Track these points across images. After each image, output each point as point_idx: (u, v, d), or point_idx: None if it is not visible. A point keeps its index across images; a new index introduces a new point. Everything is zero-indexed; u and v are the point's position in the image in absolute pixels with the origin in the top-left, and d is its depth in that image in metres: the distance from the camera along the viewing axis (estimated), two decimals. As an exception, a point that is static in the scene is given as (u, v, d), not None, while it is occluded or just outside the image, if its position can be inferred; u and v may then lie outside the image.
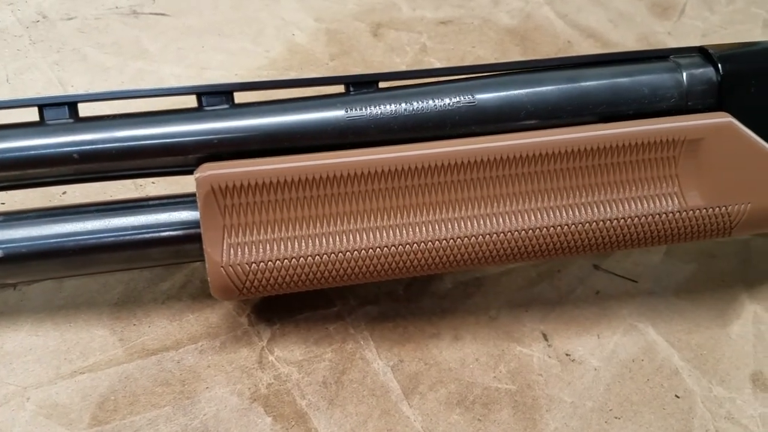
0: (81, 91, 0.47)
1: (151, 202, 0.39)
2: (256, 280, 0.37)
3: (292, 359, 0.41)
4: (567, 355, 0.45)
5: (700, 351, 0.47)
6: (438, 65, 0.67)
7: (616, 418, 0.42)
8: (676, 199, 0.41)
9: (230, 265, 0.37)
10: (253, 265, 0.37)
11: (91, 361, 0.40)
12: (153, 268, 0.44)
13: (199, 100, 0.39)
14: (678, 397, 0.44)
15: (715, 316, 0.49)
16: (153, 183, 0.50)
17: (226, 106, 0.39)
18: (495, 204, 0.39)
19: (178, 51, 0.62)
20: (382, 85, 0.41)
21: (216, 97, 0.39)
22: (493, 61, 0.68)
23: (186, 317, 0.42)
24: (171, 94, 0.38)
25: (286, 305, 0.43)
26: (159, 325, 0.42)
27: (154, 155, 0.38)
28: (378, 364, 0.42)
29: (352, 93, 0.40)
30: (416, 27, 0.70)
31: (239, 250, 0.37)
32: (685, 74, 0.41)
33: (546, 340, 0.46)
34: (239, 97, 0.40)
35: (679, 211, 0.41)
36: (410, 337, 0.44)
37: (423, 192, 0.39)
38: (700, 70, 0.42)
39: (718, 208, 0.41)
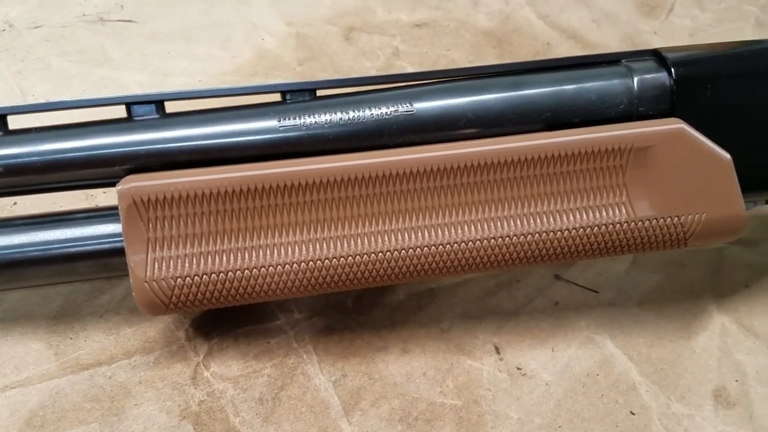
0: (14, 103, 0.46)
1: (78, 215, 0.38)
2: (182, 296, 0.37)
3: (229, 375, 0.40)
4: (518, 368, 0.44)
5: (661, 365, 0.45)
6: (411, 69, 0.66)
7: (565, 435, 0.41)
8: (624, 209, 0.39)
9: (154, 280, 0.36)
10: (179, 279, 0.36)
11: (24, 376, 0.39)
12: (93, 281, 0.43)
13: (128, 110, 0.38)
14: (633, 413, 0.42)
15: (680, 329, 0.47)
16: (104, 192, 0.49)
17: (155, 116, 0.38)
18: (434, 215, 0.38)
19: (143, 58, 0.61)
20: (321, 93, 0.40)
21: (145, 106, 0.38)
22: (467, 64, 0.67)
23: (123, 331, 0.42)
24: (99, 105, 0.38)
25: (226, 319, 0.43)
26: (95, 339, 0.41)
27: (80, 167, 0.37)
28: (320, 379, 0.41)
29: (288, 102, 0.39)
30: (390, 30, 0.69)
31: (164, 264, 0.36)
32: (636, 79, 0.40)
33: (498, 353, 0.44)
34: (175, 106, 0.39)
35: (627, 222, 0.39)
36: (356, 350, 0.43)
37: (357, 203, 0.37)
38: (653, 75, 0.40)
39: (669, 219, 0.40)
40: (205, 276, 0.36)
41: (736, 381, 0.45)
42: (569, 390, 0.43)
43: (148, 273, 0.36)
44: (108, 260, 0.37)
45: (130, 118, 0.38)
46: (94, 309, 0.43)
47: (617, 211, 0.39)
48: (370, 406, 0.41)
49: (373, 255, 0.38)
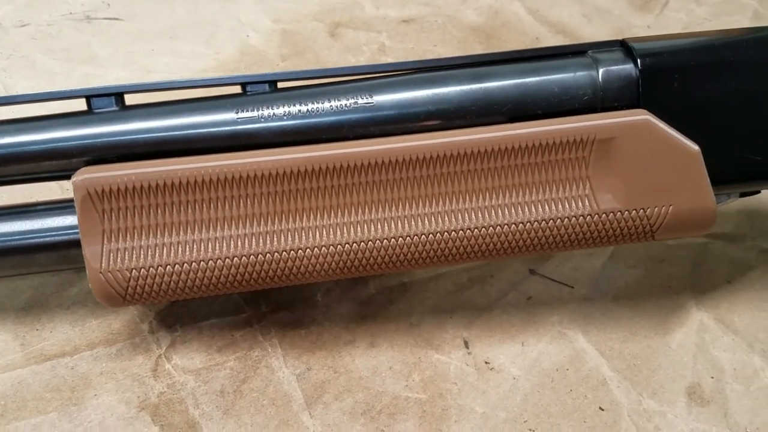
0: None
1: (39, 207, 0.38)
2: (138, 287, 0.37)
3: (191, 367, 0.40)
4: (486, 363, 0.43)
5: (634, 361, 0.44)
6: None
7: (530, 430, 0.40)
8: (587, 201, 0.39)
9: (110, 271, 0.36)
10: (134, 271, 0.36)
11: (-9, 367, 0.40)
12: (62, 274, 0.43)
13: (88, 103, 0.38)
14: (602, 409, 0.42)
15: (656, 324, 0.46)
16: (80, 187, 0.49)
17: (115, 109, 0.38)
18: (391, 207, 0.38)
19: (128, 55, 0.61)
20: (282, 85, 0.40)
21: (105, 99, 0.38)
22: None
23: (89, 323, 0.42)
24: (59, 98, 0.38)
25: (190, 311, 0.43)
26: (61, 331, 0.41)
27: (40, 160, 0.37)
28: (283, 372, 0.41)
29: (248, 94, 0.39)
30: (377, 26, 0.68)
31: (119, 255, 0.36)
32: (601, 70, 0.39)
33: (467, 347, 0.44)
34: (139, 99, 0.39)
35: (590, 215, 0.39)
36: (323, 344, 0.43)
37: (316, 195, 0.37)
38: (618, 66, 0.39)
39: (635, 211, 0.39)
40: (160, 267, 0.36)
41: (712, 378, 0.44)
42: (537, 384, 0.42)
43: (103, 264, 0.36)
44: (67, 252, 0.38)
45: (90, 110, 0.38)
46: (62, 301, 0.43)
47: (580, 204, 0.39)
48: (333, 400, 0.40)
49: (332, 247, 0.37)
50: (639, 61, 0.39)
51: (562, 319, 0.46)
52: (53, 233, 0.38)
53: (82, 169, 0.36)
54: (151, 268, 0.36)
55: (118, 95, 0.38)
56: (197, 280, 0.37)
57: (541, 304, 0.47)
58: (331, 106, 0.38)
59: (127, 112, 0.38)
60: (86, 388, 0.39)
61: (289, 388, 0.40)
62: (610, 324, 0.46)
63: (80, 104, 0.39)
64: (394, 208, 0.38)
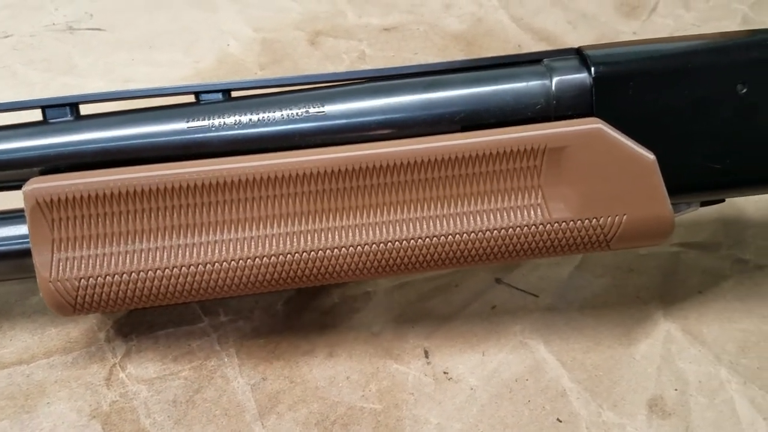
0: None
1: (-7, 217, 0.39)
2: (88, 296, 0.37)
3: (145, 376, 0.41)
4: (445, 373, 0.43)
5: (595, 372, 0.44)
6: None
7: (485, 442, 0.40)
8: (539, 211, 0.38)
9: (59, 281, 0.36)
10: (83, 280, 0.37)
11: (-53, 374, 0.40)
12: (27, 281, 0.44)
13: (43, 113, 0.39)
14: (560, 420, 0.41)
15: (621, 335, 0.46)
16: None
17: (70, 119, 0.39)
18: (343, 217, 0.38)
19: (107, 65, 0.62)
20: (237, 94, 0.40)
21: (59, 109, 0.38)
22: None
23: (48, 331, 0.42)
24: (14, 109, 0.38)
25: (148, 320, 0.43)
26: (20, 339, 0.42)
27: (-3, 169, 0.38)
28: (238, 382, 0.41)
29: (201, 103, 0.39)
30: (358, 34, 0.69)
31: (68, 264, 0.37)
32: (554, 79, 0.39)
33: (426, 357, 0.44)
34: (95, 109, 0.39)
35: (542, 224, 0.38)
36: (281, 354, 0.43)
37: (266, 204, 0.37)
38: (572, 74, 0.39)
39: (588, 221, 0.39)
40: (109, 277, 0.37)
41: (676, 390, 0.43)
42: (495, 395, 0.42)
43: (53, 273, 0.36)
44: (21, 261, 0.38)
45: (45, 121, 0.39)
46: (24, 309, 0.43)
47: (532, 213, 0.38)
48: (287, 410, 0.40)
49: (281, 257, 0.37)
50: (593, 69, 0.39)
51: (525, 328, 0.46)
52: (7, 242, 0.38)
53: (33, 179, 0.37)
54: (99, 278, 0.37)
55: (72, 105, 0.39)
56: (146, 289, 0.37)
57: (504, 313, 0.46)
58: (282, 115, 0.38)
59: (81, 122, 0.39)
60: (40, 396, 0.39)
61: (242, 398, 0.40)
62: (573, 334, 0.46)
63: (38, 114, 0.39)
64: (341, 217, 0.38)
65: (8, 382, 0.40)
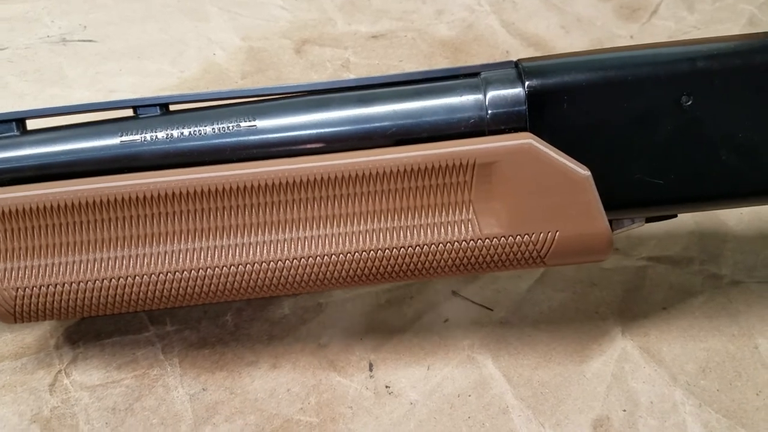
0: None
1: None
2: (26, 306, 0.38)
3: (88, 383, 0.42)
4: (387, 387, 0.43)
5: (542, 389, 0.43)
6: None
7: (417, 459, 0.40)
8: (470, 226, 0.38)
9: (-3, 290, 0.38)
10: (19, 290, 0.38)
11: None
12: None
13: (-9, 129, 0.40)
14: (499, 439, 0.41)
15: (573, 352, 0.45)
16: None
17: (16, 134, 0.40)
18: (268, 231, 0.38)
19: (95, 76, 0.64)
20: (175, 107, 0.41)
21: (6, 125, 0.40)
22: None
23: (4, 337, 0.44)
24: (-38, 124, 0.40)
25: (96, 328, 0.44)
26: (-24, 344, 0.44)
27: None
28: (179, 391, 0.42)
29: (139, 117, 0.40)
30: (345, 42, 0.69)
31: (5, 275, 0.38)
32: (488, 94, 0.38)
33: (370, 370, 0.44)
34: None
35: (473, 240, 0.38)
36: (225, 365, 0.43)
37: (195, 217, 0.38)
38: (506, 88, 0.38)
39: (519, 237, 0.38)
40: (44, 288, 0.38)
41: (624, 411, 0.42)
42: (435, 410, 0.42)
43: (-7, 282, 0.38)
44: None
45: (-7, 135, 0.40)
46: (-16, 316, 0.45)
47: (463, 229, 0.38)
48: (223, 421, 0.41)
49: (207, 270, 0.38)
50: (526, 83, 0.38)
51: (474, 343, 0.45)
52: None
53: (-27, 193, 0.38)
54: (34, 288, 0.38)
55: (19, 121, 0.40)
56: (80, 299, 0.38)
57: (456, 327, 0.46)
58: (213, 129, 0.39)
59: (24, 137, 0.40)
60: (-14, 400, 0.41)
61: (180, 408, 0.41)
62: (524, 350, 0.45)
63: None
64: (269, 231, 0.38)
65: (-43, 385, 0.41)
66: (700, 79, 0.37)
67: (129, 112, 0.40)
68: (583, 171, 0.37)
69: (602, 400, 0.42)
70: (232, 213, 0.38)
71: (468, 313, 0.47)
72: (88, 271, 0.38)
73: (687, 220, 0.53)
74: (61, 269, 0.38)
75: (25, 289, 0.38)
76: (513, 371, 0.44)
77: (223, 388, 0.42)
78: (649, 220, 0.41)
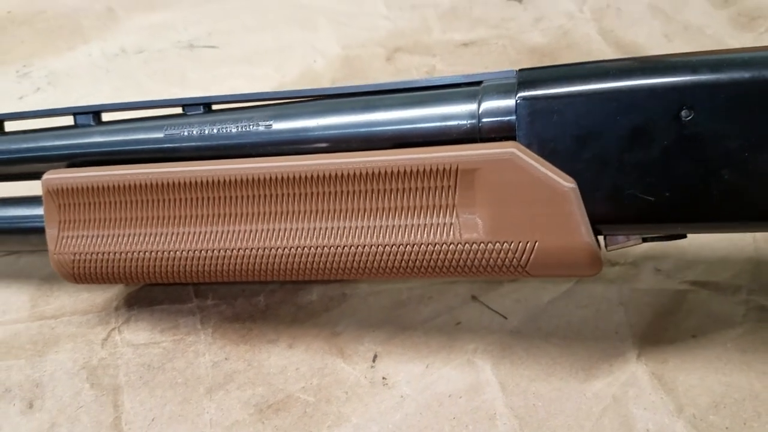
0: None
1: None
2: (81, 269, 0.46)
3: (134, 342, 0.48)
4: (383, 378, 0.45)
5: (535, 401, 0.43)
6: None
7: (394, 448, 0.42)
8: (452, 230, 0.39)
9: (58, 253, 0.46)
10: (76, 255, 0.45)
11: (4, 318, 0.51)
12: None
13: (74, 119, 0.48)
14: (478, 443, 0.41)
15: (580, 369, 0.44)
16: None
17: (92, 124, 0.48)
18: (261, 221, 0.42)
19: (212, 78, 0.72)
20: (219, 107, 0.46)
21: (85, 116, 0.48)
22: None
23: (82, 296, 0.52)
24: (47, 116, 0.49)
25: (150, 296, 0.51)
26: (61, 299, 0.52)
27: (36, 162, 0.48)
28: (205, 357, 0.47)
29: (186, 114, 0.46)
30: (435, 50, 0.71)
31: (68, 241, 0.46)
32: (482, 103, 0.39)
33: (374, 361, 0.46)
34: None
35: (453, 243, 0.39)
36: (249, 339, 0.48)
37: (226, 203, 0.43)
38: (499, 98, 0.39)
39: (498, 244, 0.38)
40: (95, 255, 0.45)
41: (615, 434, 0.40)
42: (423, 406, 0.43)
43: (57, 248, 0.46)
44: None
45: (76, 125, 0.48)
46: (72, 276, 0.54)
47: (444, 232, 0.39)
48: (235, 389, 0.46)
49: (249, 250, 0.43)
50: (518, 93, 0.38)
51: (479, 347, 0.46)
52: (37, 219, 0.48)
53: (49, 171, 0.46)
54: (88, 255, 0.45)
55: (95, 113, 0.48)
56: (128, 268, 0.45)
57: (467, 330, 0.47)
58: (237, 128, 0.44)
59: (97, 127, 0.48)
60: (54, 345, 0.49)
61: (203, 372, 0.47)
62: (528, 361, 0.45)
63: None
64: (263, 221, 0.42)
65: (38, 330, 0.50)
66: (703, 92, 0.35)
67: (179, 110, 0.46)
68: (567, 183, 0.37)
69: (595, 420, 0.41)
70: (226, 203, 0.42)
71: (481, 319, 0.47)
72: (131, 243, 0.44)
73: (747, 246, 0.49)
74: (110, 240, 0.45)
75: (81, 254, 0.45)
76: (510, 380, 0.44)
77: (242, 360, 0.47)
78: (646, 239, 0.39)
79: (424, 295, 0.49)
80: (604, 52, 0.67)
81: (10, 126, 0.51)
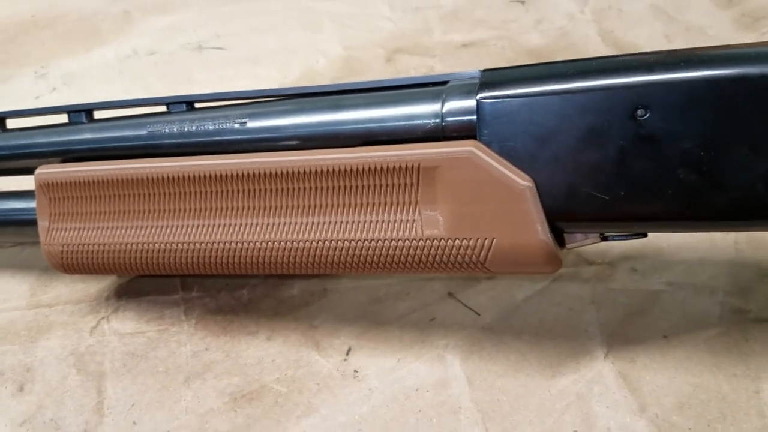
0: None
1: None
2: (70, 259, 0.48)
3: (121, 331, 0.50)
4: (355, 371, 0.46)
5: (500, 396, 0.43)
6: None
7: (359, 439, 0.43)
8: (413, 227, 0.40)
9: (48, 244, 0.48)
10: (65, 246, 0.48)
11: (3, 306, 0.54)
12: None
13: (69, 117, 0.50)
14: (440, 436, 0.42)
15: (547, 366, 0.44)
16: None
17: (85, 121, 0.50)
18: (238, 216, 0.43)
19: (217, 78, 0.74)
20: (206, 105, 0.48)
21: (78, 114, 0.50)
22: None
23: (78, 286, 0.54)
24: (44, 114, 0.51)
25: (139, 287, 0.53)
26: (58, 289, 0.54)
27: (29, 158, 0.51)
28: (186, 347, 0.49)
29: (170, 112, 0.48)
30: (434, 51, 0.72)
31: (57, 233, 0.48)
32: (446, 103, 0.40)
33: (347, 354, 0.47)
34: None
35: (414, 240, 0.40)
36: (230, 331, 0.50)
37: (198, 198, 0.44)
38: (461, 98, 0.39)
39: (458, 240, 0.39)
40: (81, 246, 0.47)
41: (575, 431, 0.41)
42: (390, 399, 0.44)
43: (47, 239, 0.48)
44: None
45: (70, 122, 0.51)
46: (69, 267, 0.56)
47: (406, 228, 0.40)
48: (212, 378, 0.47)
49: (188, 245, 0.44)
50: (478, 93, 0.39)
51: (450, 343, 0.46)
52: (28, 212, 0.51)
53: (41, 165, 0.49)
54: (77, 245, 0.47)
55: (87, 111, 0.50)
56: (112, 259, 0.47)
57: (440, 326, 0.48)
58: (214, 126, 0.45)
59: (89, 125, 0.50)
60: (47, 332, 0.51)
61: (183, 361, 0.48)
62: (496, 356, 0.45)
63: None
64: (234, 216, 0.43)
65: (33, 318, 0.52)
66: (658, 92, 0.35)
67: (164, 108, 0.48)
68: (523, 182, 0.37)
69: (557, 417, 0.41)
70: (198, 197, 0.44)
71: (455, 315, 0.48)
72: (117, 235, 0.46)
73: (728, 247, 0.49)
74: (96, 233, 0.47)
75: (69, 245, 0.47)
76: (477, 375, 0.44)
77: (221, 351, 0.49)
78: (605, 237, 0.39)
79: (402, 291, 0.50)
80: (601, 53, 0.66)
81: (11, 123, 0.54)
